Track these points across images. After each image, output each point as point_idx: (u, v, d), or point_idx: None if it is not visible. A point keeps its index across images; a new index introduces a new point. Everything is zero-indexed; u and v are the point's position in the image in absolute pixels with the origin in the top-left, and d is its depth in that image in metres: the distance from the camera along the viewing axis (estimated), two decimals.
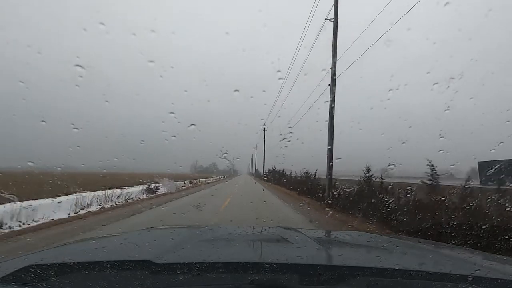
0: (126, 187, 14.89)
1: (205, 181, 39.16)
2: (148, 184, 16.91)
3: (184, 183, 26.23)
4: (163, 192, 18.13)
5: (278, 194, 19.68)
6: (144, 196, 15.56)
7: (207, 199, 14.82)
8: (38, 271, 0.93)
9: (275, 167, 36.02)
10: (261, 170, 57.56)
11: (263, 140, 47.22)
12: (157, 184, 18.20)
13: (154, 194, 16.54)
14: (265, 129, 43.16)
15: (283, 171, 30.85)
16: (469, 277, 0.90)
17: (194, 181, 32.57)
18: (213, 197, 16.79)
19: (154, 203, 12.52)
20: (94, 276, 0.94)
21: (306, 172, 17.88)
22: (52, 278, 0.90)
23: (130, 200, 13.35)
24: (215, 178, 51.52)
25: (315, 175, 16.60)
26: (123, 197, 13.13)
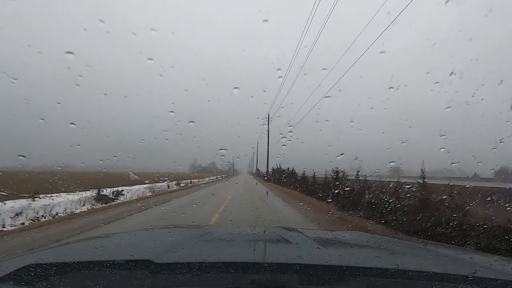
0: (57, 195, 10.16)
1: (199, 181, 33.70)
2: (99, 189, 12.08)
3: (168, 186, 21.26)
4: (125, 200, 13.22)
5: (298, 205, 12.69)
6: (85, 208, 10.34)
7: (193, 211, 10.01)
8: (38, 270, 0.92)
9: (280, 166, 30.97)
10: (262, 169, 53.57)
11: (264, 135, 42.30)
12: (120, 188, 13.62)
13: (106, 204, 11.62)
14: (269, 119, 36.22)
15: (292, 169, 25.20)
16: (469, 277, 0.90)
17: (184, 181, 26.87)
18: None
19: (69, 228, 7.22)
20: (94, 275, 0.93)
21: (337, 171, 12.91)
22: (52, 278, 0.90)
23: (47, 218, 8.34)
24: (211, 178, 46.68)
25: (359, 176, 10.55)
26: (29, 213, 7.97)
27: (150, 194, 17.10)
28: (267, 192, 20.56)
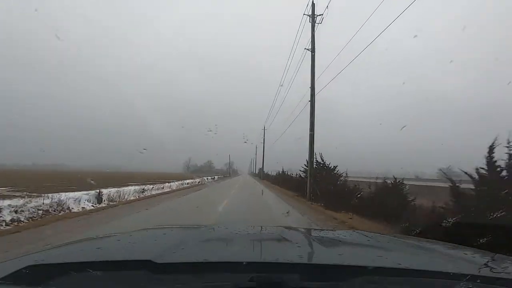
0: None
1: (164, 188, 19.18)
2: None
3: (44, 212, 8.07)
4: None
5: None
6: None
7: None
8: (38, 271, 0.92)
9: (322, 159, 14.45)
10: (267, 169, 40.30)
11: (267, 134, 33.20)
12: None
13: None
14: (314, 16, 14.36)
15: None
16: (470, 276, 0.90)
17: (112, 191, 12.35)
18: None
19: None
20: (95, 275, 0.93)
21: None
22: (52, 278, 0.90)
23: None
24: (189, 181, 27.40)
25: None
26: None
27: None
28: None
